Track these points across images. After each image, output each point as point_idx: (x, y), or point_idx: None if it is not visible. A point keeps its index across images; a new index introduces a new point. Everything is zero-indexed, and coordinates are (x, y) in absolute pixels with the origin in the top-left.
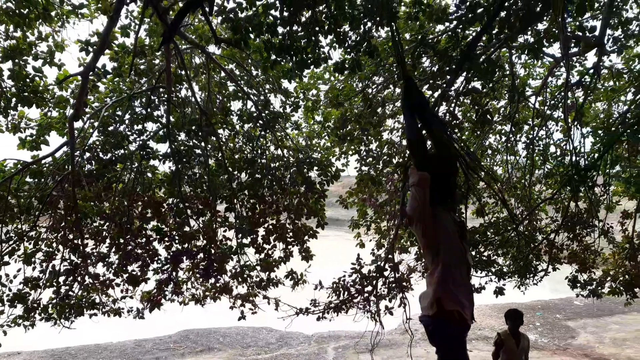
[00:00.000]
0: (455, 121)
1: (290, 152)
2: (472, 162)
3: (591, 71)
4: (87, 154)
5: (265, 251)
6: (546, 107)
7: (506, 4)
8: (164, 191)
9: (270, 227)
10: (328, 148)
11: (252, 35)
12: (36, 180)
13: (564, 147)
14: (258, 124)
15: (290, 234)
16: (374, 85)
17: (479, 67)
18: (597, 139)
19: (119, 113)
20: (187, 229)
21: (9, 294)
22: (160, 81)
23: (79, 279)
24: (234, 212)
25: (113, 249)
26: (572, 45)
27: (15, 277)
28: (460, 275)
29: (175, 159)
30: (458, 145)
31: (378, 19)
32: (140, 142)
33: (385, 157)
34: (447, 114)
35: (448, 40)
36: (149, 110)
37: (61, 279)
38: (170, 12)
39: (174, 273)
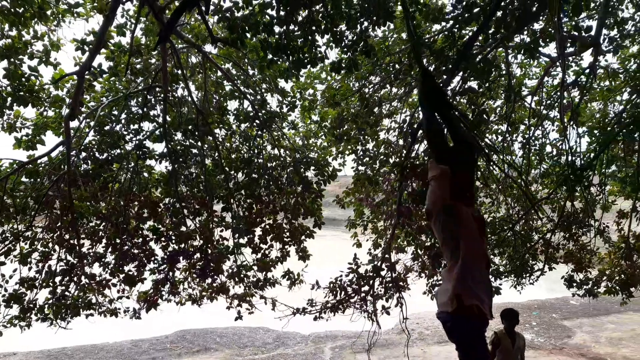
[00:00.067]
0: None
1: (287, 152)
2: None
3: (587, 71)
4: (83, 154)
5: (262, 251)
6: (542, 107)
7: (502, 3)
8: (160, 191)
9: (267, 227)
10: (325, 148)
11: (248, 35)
12: (32, 180)
13: (560, 146)
14: (255, 124)
15: (287, 233)
16: (370, 84)
17: (476, 67)
18: (593, 138)
19: (115, 112)
20: (183, 228)
21: (4, 294)
22: (157, 80)
23: (75, 279)
24: (231, 212)
25: (109, 249)
26: (568, 45)
27: (11, 277)
28: (480, 271)
29: (172, 158)
30: (476, 138)
31: (374, 18)
32: (137, 142)
33: (382, 157)
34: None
35: (444, 40)
36: (145, 109)
37: (57, 279)
38: (167, 11)
39: (170, 273)
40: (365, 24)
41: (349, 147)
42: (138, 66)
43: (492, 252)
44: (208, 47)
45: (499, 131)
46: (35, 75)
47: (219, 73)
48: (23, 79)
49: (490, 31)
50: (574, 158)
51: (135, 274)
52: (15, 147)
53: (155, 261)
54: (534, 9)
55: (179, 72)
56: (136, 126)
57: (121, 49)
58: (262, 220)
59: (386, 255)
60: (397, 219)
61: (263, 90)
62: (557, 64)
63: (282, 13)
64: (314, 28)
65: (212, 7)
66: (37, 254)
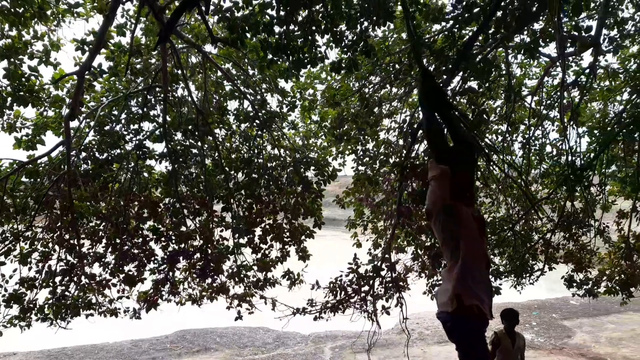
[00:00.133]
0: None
1: (287, 152)
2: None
3: (587, 71)
4: (83, 154)
5: (262, 251)
6: (542, 107)
7: (502, 3)
8: (160, 191)
9: (267, 227)
10: (325, 148)
11: (248, 35)
12: (32, 180)
13: (560, 146)
14: (255, 124)
15: (287, 233)
16: (370, 84)
17: (476, 67)
18: (593, 138)
19: (115, 112)
20: (183, 228)
21: (4, 294)
22: (157, 80)
23: (75, 279)
24: (231, 212)
25: (109, 249)
26: (568, 45)
27: (11, 277)
28: (480, 271)
29: (172, 158)
30: (476, 138)
31: (374, 18)
32: (137, 142)
33: (382, 157)
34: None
35: (444, 40)
36: (145, 109)
37: (57, 279)
38: (167, 11)
39: (170, 273)
40: (365, 24)
41: (349, 147)
42: (138, 66)
43: (492, 252)
44: (208, 47)
45: (499, 131)
46: (35, 75)
47: (219, 73)
48: (23, 79)
49: (490, 31)
50: (574, 158)
51: (135, 274)
52: (15, 147)
53: (155, 261)
54: (534, 9)
55: (179, 72)
56: (136, 126)
57: (121, 49)
58: (262, 220)
59: (386, 255)
60: (397, 219)
61: (263, 90)
62: (557, 64)
63: (282, 13)
64: (314, 28)
65: (212, 7)
66: (37, 254)
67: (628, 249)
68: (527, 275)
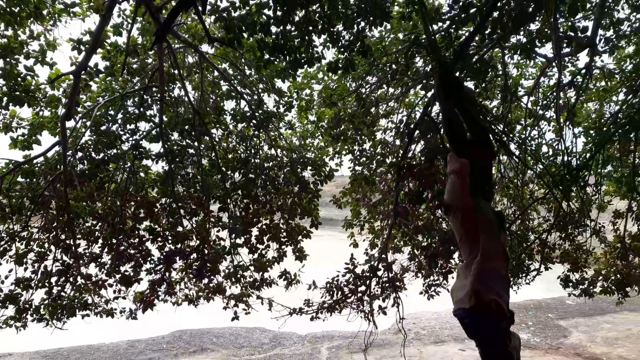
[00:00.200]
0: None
1: (284, 152)
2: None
3: (583, 71)
4: (80, 154)
5: (259, 251)
6: (538, 107)
7: (499, 4)
8: (156, 191)
9: (264, 227)
10: (322, 148)
11: (245, 35)
12: (28, 180)
13: (556, 147)
14: (251, 124)
15: (284, 233)
16: (367, 85)
17: (472, 67)
18: (589, 138)
19: (112, 112)
20: (180, 229)
21: (0, 294)
22: (153, 80)
23: (71, 279)
24: (228, 212)
25: (105, 249)
26: (564, 45)
27: (6, 277)
28: (498, 267)
29: (168, 158)
30: (494, 130)
31: (371, 18)
32: (133, 142)
33: (378, 157)
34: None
35: (441, 40)
36: (141, 109)
37: (53, 279)
38: (163, 11)
39: (167, 273)
40: (362, 24)
41: (346, 147)
42: (134, 66)
43: None
44: (205, 47)
45: (495, 131)
46: (31, 75)
47: (216, 73)
48: (19, 79)
49: (486, 31)
50: (569, 158)
51: (132, 274)
52: (11, 147)
53: (152, 261)
54: (530, 9)
55: (176, 72)
56: (133, 126)
57: (118, 49)
58: (258, 220)
59: (383, 255)
60: (393, 219)
61: (260, 90)
62: (554, 64)
63: (279, 13)
64: (310, 28)
65: (208, 7)
66: (32, 254)
67: (624, 249)
68: (523, 275)
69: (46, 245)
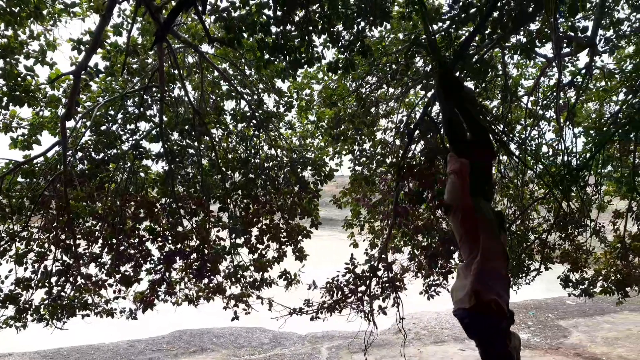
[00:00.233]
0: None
1: (284, 152)
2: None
3: (583, 71)
4: (80, 154)
5: (259, 251)
6: (538, 107)
7: (499, 4)
8: (156, 191)
9: (264, 227)
10: (322, 148)
11: (245, 35)
12: (28, 180)
13: (556, 147)
14: (251, 124)
15: (284, 233)
16: (367, 85)
17: (472, 67)
18: (589, 138)
19: (112, 112)
20: (180, 229)
21: (0, 294)
22: (153, 80)
23: (71, 279)
24: (228, 212)
25: (105, 249)
26: (564, 45)
27: (6, 277)
28: (498, 267)
29: (168, 158)
30: (494, 130)
31: (371, 18)
32: (133, 142)
33: (378, 157)
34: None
35: (441, 40)
36: (141, 109)
37: (53, 279)
38: (163, 11)
39: (167, 273)
40: (362, 24)
41: (346, 147)
42: (134, 66)
43: None
44: (205, 47)
45: (495, 131)
46: (31, 75)
47: (216, 73)
48: (19, 79)
49: (486, 31)
50: (569, 158)
51: (132, 274)
52: (11, 147)
53: (152, 261)
54: (530, 9)
55: (176, 72)
56: (133, 126)
57: (117, 49)
58: (258, 220)
59: (383, 255)
60: (393, 219)
61: (260, 90)
62: (554, 64)
63: (279, 13)
64: (310, 28)
65: (208, 7)
66: (32, 254)
67: (624, 249)
68: (523, 275)
69: (46, 245)
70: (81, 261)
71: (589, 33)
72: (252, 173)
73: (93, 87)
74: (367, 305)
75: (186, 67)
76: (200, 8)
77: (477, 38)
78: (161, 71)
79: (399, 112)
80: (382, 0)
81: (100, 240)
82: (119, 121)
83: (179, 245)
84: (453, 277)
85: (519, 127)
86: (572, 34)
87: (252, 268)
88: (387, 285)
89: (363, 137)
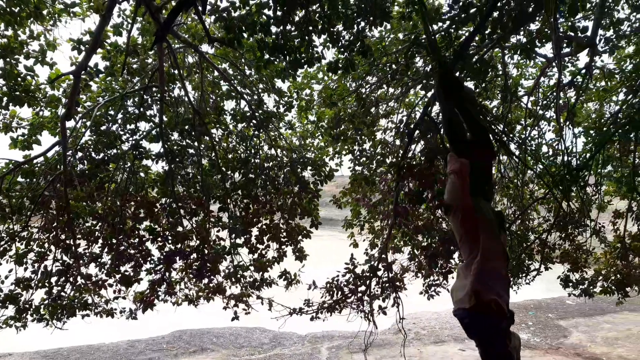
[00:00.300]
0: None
1: (284, 152)
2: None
3: (583, 71)
4: (80, 154)
5: (259, 251)
6: (538, 107)
7: (499, 4)
8: (156, 191)
9: (264, 227)
10: (322, 148)
11: (245, 35)
12: (28, 180)
13: (556, 147)
14: (251, 124)
15: (284, 233)
16: (367, 85)
17: (472, 67)
18: (589, 138)
19: (112, 112)
20: (180, 229)
21: (0, 294)
22: (153, 80)
23: (71, 279)
24: (228, 212)
25: (105, 250)
26: (564, 45)
27: (6, 277)
28: (498, 267)
29: (168, 158)
30: (494, 130)
31: (371, 18)
32: (133, 142)
33: (378, 157)
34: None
35: (441, 40)
36: (141, 109)
37: (53, 279)
38: (163, 11)
39: (167, 273)
40: (362, 24)
41: (346, 147)
42: (134, 66)
43: None
44: (205, 47)
45: (495, 131)
46: (31, 75)
47: (216, 73)
48: (19, 79)
49: (486, 31)
50: (569, 158)
51: (132, 274)
52: (11, 147)
53: (152, 261)
54: (530, 9)
55: (176, 72)
56: (133, 126)
57: (117, 49)
58: (258, 220)
59: (383, 255)
60: (393, 219)
61: (260, 90)
62: (554, 64)
63: (279, 13)
64: (310, 28)
65: (208, 7)
66: (32, 254)
67: (624, 249)
68: (523, 275)
69: (46, 245)
70: (81, 261)
71: (589, 33)
72: (252, 173)
73: (93, 87)
74: (367, 305)
75: (186, 67)
76: (200, 8)
77: (477, 38)
78: (161, 71)
79: (399, 112)
80: (382, 0)
81: (100, 240)
82: (119, 121)
83: (179, 245)
84: (453, 277)
85: (519, 127)
86: (572, 34)
87: (252, 268)
88: (387, 285)
89: (363, 137)
